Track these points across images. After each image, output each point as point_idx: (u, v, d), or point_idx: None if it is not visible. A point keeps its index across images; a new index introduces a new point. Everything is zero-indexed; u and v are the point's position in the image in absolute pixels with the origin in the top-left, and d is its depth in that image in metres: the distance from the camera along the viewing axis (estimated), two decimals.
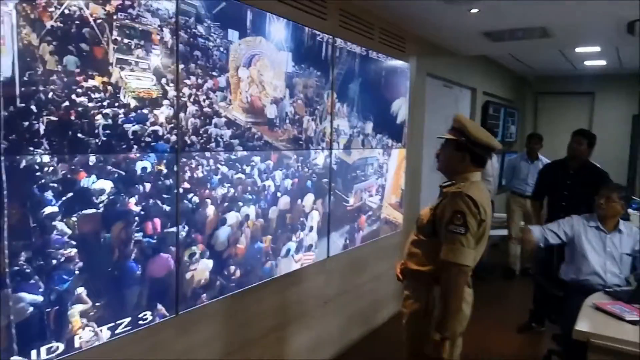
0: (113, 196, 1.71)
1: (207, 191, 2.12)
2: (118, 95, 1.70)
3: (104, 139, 1.67)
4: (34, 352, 1.52)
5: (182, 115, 1.96)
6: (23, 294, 1.47)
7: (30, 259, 1.48)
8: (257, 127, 2.37)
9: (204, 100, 2.07)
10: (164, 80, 1.88)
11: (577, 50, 5.14)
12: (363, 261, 3.55)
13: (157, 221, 1.89)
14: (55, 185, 1.53)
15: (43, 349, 1.54)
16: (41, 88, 1.47)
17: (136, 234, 1.81)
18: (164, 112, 1.88)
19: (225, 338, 2.34)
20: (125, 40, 1.72)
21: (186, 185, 2.01)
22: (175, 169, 1.95)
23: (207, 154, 2.10)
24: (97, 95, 1.63)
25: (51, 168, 1.52)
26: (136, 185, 1.80)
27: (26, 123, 1.44)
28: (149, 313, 1.90)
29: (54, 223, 1.53)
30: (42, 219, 1.50)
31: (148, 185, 1.84)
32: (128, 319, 1.81)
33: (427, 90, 4.40)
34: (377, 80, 3.48)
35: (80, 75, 1.58)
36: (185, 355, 2.11)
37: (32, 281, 1.49)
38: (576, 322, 2.23)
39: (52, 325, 1.56)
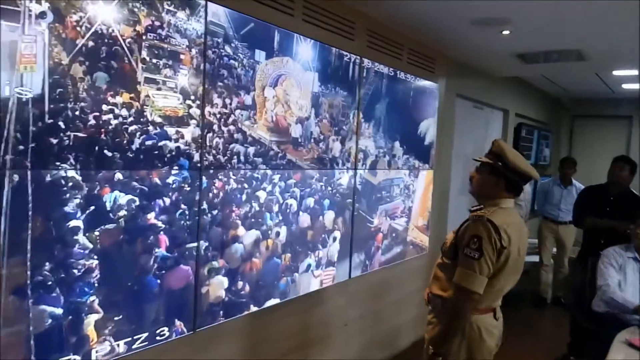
0: (135, 211, 1.74)
1: (229, 208, 2.13)
2: (144, 113, 1.74)
3: (130, 155, 1.70)
4: None
5: (206, 133, 1.99)
6: (43, 306, 1.50)
7: (52, 271, 1.51)
8: (281, 145, 2.38)
9: (229, 119, 2.09)
10: (190, 99, 1.91)
11: (615, 73, 5.00)
12: (386, 284, 3.48)
13: (178, 236, 1.91)
14: (80, 199, 1.57)
15: None
16: (69, 105, 1.52)
17: (157, 249, 1.83)
18: (189, 131, 1.91)
19: (244, 357, 2.32)
20: (154, 60, 1.76)
21: (208, 201, 2.03)
22: (197, 185, 1.97)
23: (231, 172, 2.12)
24: (124, 112, 1.67)
25: (76, 183, 1.55)
26: (159, 201, 1.82)
27: (54, 139, 1.49)
28: (166, 329, 1.90)
29: (75, 237, 1.56)
30: (64, 233, 1.53)
31: (169, 201, 1.86)
32: (145, 334, 1.82)
33: (456, 111, 4.34)
34: (405, 101, 3.45)
35: (108, 93, 1.62)
36: None
37: (53, 294, 1.52)
38: (606, 357, 2.14)
39: (70, 338, 1.58)
